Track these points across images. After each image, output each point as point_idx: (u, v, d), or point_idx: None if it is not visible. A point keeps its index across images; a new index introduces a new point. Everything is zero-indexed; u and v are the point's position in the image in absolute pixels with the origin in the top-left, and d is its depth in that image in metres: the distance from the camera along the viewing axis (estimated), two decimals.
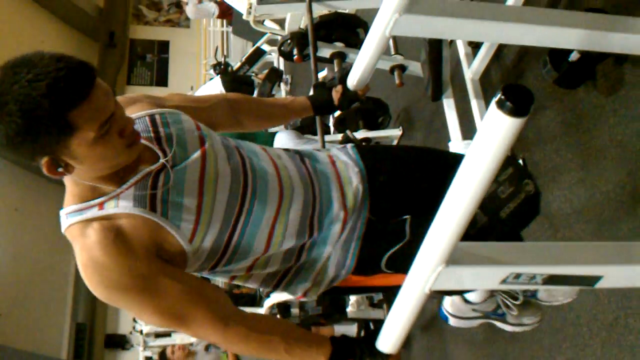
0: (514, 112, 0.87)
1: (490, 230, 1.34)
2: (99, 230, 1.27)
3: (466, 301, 2.01)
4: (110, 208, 1.29)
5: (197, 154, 1.36)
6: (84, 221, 1.29)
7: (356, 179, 1.51)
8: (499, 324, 2.05)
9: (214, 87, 6.57)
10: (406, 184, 1.56)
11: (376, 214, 1.50)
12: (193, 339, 6.36)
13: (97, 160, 1.25)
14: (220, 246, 1.37)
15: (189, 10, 7.90)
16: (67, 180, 1.33)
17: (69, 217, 1.31)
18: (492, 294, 1.98)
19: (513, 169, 1.37)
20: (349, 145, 1.62)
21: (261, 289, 1.58)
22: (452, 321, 2.06)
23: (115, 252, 1.26)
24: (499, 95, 0.87)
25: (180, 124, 1.41)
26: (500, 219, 1.32)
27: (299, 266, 1.48)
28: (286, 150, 1.59)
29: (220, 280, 2.68)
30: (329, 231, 1.45)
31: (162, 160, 1.33)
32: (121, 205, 1.29)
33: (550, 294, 1.97)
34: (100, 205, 1.29)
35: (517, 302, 1.97)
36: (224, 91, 6.51)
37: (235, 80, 6.79)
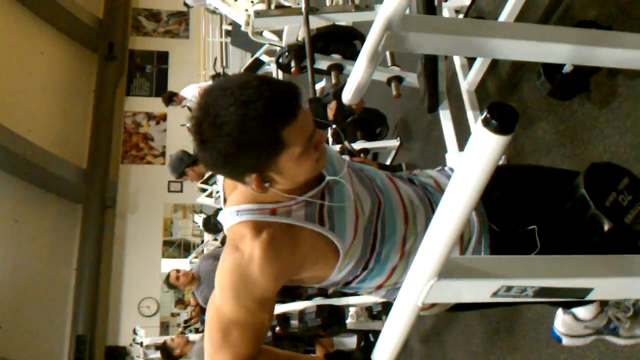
0: (499, 130, 0.90)
1: (616, 236, 1.37)
2: (273, 235, 1.32)
3: (577, 319, 2.01)
4: (282, 216, 1.35)
5: (345, 173, 1.43)
6: (259, 222, 1.33)
7: None
8: (611, 339, 2.05)
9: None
10: (518, 195, 1.60)
11: (499, 224, 1.53)
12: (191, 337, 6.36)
13: (299, 173, 1.32)
14: (361, 263, 1.42)
15: None
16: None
17: (240, 214, 1.35)
18: (602, 309, 1.98)
19: (628, 179, 1.41)
20: (447, 168, 1.68)
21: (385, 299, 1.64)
22: (566, 341, 2.06)
23: (269, 265, 1.31)
24: (484, 114, 0.90)
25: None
26: (626, 225, 1.36)
27: None
28: (386, 173, 1.63)
29: None
30: None
31: (329, 178, 1.39)
32: (293, 216, 1.35)
33: None
34: (273, 211, 1.35)
35: (629, 314, 1.97)
36: None
37: None
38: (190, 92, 7.37)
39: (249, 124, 1.20)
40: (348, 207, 1.39)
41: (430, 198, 1.54)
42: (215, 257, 5.41)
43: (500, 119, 0.90)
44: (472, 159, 0.95)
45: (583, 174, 1.43)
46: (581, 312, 1.99)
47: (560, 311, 2.04)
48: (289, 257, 1.34)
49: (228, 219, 1.38)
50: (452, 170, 1.65)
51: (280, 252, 1.32)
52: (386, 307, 3.14)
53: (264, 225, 1.33)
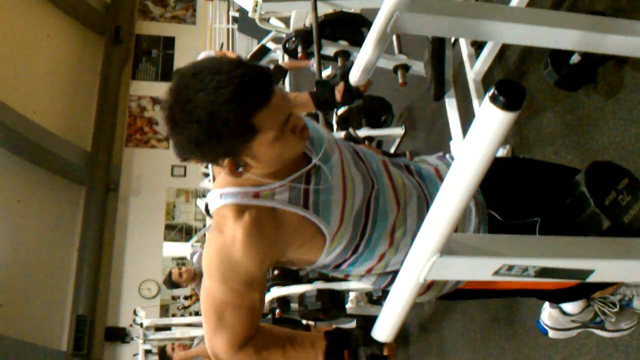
0: (506, 107, 0.90)
1: (614, 234, 1.39)
2: (255, 217, 1.31)
3: (564, 313, 2.05)
4: (266, 199, 1.34)
5: (336, 156, 1.43)
6: (241, 205, 1.33)
7: None
8: (597, 332, 2.09)
9: None
10: (520, 186, 1.60)
11: (499, 211, 1.53)
12: (192, 333, 6.39)
13: (274, 157, 1.31)
14: (350, 248, 1.42)
15: None
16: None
17: (224, 197, 1.35)
18: (589, 303, 2.01)
19: (628, 179, 1.43)
20: (448, 156, 1.67)
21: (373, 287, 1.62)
22: (552, 333, 2.10)
23: (252, 246, 1.31)
24: (492, 90, 0.90)
25: (315, 127, 1.48)
26: (624, 224, 1.38)
27: None
28: (388, 157, 1.63)
29: None
30: None
31: (315, 160, 1.38)
32: (277, 199, 1.34)
33: None
34: (256, 194, 1.34)
35: (615, 309, 2.00)
36: None
37: None
38: None
39: (218, 111, 1.19)
40: (335, 190, 1.38)
41: (426, 188, 1.53)
42: None
43: (508, 95, 0.90)
44: (479, 135, 0.96)
45: (585, 171, 1.44)
46: (568, 306, 2.02)
47: (547, 304, 2.07)
48: (272, 240, 1.33)
49: (213, 201, 1.38)
50: (452, 158, 1.65)
51: (262, 234, 1.32)
52: (386, 292, 3.16)
53: (246, 208, 1.33)
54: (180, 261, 10.49)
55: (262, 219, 1.32)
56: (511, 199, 1.55)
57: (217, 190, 1.38)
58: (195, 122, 1.20)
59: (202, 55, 7.64)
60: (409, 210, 1.46)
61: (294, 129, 1.31)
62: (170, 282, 6.03)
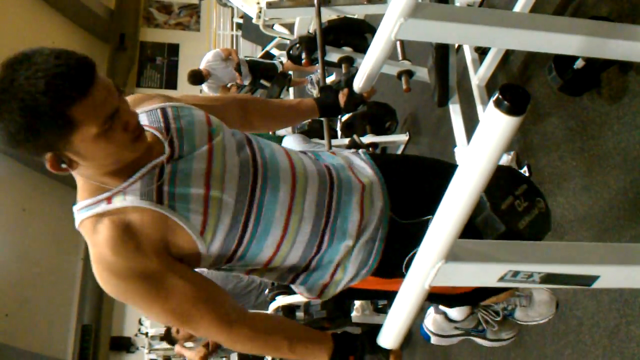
0: (511, 111, 0.90)
1: (507, 239, 1.37)
2: (108, 226, 1.27)
3: (448, 319, 2.04)
4: (118, 202, 1.29)
5: (204, 148, 1.36)
6: (94, 216, 1.29)
7: (371, 176, 1.51)
8: (478, 340, 2.10)
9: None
10: (421, 185, 1.56)
11: (398, 212, 1.49)
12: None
13: (101, 155, 1.25)
14: (234, 239, 1.36)
15: None
16: (78, 177, 1.34)
17: (80, 212, 1.32)
18: (473, 311, 2.02)
19: (527, 185, 1.43)
20: (360, 151, 1.63)
21: (277, 283, 1.56)
22: (434, 339, 2.10)
23: (123, 250, 1.27)
24: (496, 95, 0.90)
25: (190, 118, 1.42)
26: (518, 230, 1.37)
27: (316, 263, 1.46)
28: (301, 152, 1.59)
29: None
30: (346, 224, 1.43)
31: (167, 153, 1.33)
32: (128, 199, 1.29)
33: (526, 314, 2.01)
34: (109, 200, 1.30)
35: (498, 319, 2.01)
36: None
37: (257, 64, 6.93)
38: (213, 63, 7.17)
39: (31, 101, 1.14)
40: (196, 183, 1.32)
41: (331, 170, 1.48)
42: None
43: (512, 100, 0.90)
44: (483, 140, 0.96)
45: None
46: (453, 312, 2.02)
47: (431, 310, 2.06)
48: (139, 237, 1.28)
49: (75, 219, 1.34)
50: (365, 154, 1.60)
51: (125, 235, 1.27)
52: (391, 300, 3.16)
53: (101, 216, 1.28)
54: None
55: (119, 222, 1.27)
56: (410, 199, 1.51)
57: (75, 207, 1.33)
58: (9, 112, 1.15)
59: (210, 53, 7.54)
60: (308, 195, 1.41)
61: (126, 125, 1.25)
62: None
